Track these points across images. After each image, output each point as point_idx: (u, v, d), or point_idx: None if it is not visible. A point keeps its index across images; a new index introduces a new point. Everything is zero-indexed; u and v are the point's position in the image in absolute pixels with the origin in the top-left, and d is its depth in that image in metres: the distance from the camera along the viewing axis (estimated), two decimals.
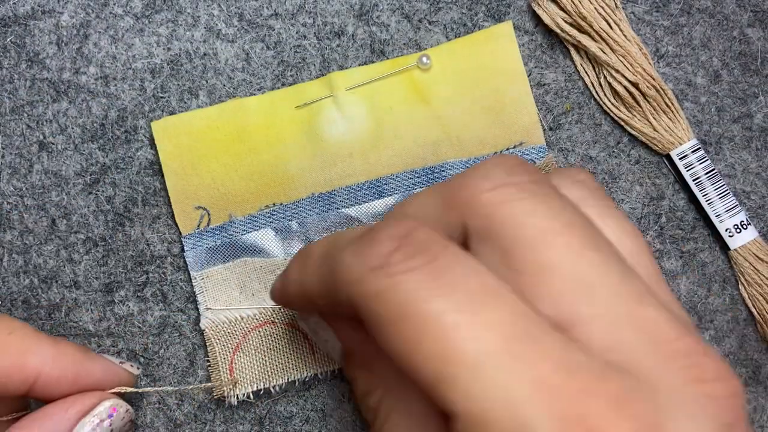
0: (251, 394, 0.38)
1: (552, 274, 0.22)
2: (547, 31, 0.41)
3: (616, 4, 0.40)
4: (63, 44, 0.40)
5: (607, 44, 0.40)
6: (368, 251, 0.22)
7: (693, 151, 0.40)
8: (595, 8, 0.39)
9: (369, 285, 0.22)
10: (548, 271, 0.22)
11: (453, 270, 0.21)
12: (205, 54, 0.40)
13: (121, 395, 0.32)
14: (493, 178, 0.24)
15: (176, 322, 0.39)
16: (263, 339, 0.38)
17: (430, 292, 0.21)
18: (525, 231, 0.22)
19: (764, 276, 0.39)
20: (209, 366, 0.39)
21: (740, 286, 0.40)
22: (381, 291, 0.21)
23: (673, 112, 0.40)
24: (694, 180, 0.40)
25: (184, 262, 0.39)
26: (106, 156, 0.39)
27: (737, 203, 0.40)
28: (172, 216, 0.39)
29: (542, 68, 0.41)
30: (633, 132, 0.40)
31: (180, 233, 0.39)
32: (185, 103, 0.40)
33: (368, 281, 0.22)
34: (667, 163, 0.41)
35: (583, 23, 0.39)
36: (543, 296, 0.22)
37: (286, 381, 0.38)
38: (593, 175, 0.27)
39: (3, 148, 0.39)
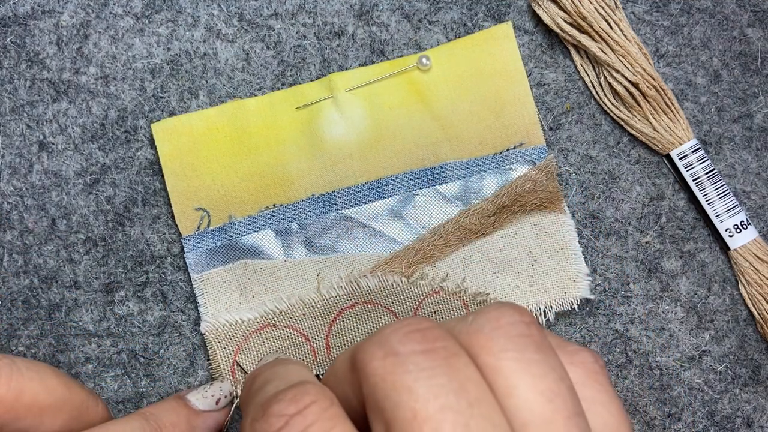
0: None
1: None
2: (547, 31, 0.41)
3: (616, 4, 0.40)
4: (63, 44, 0.40)
5: (607, 44, 0.40)
6: (258, 426, 0.24)
7: (693, 151, 0.40)
8: (595, 8, 0.39)
9: None
10: None
11: None
12: (205, 54, 0.40)
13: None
14: (385, 345, 0.23)
15: (176, 322, 0.39)
16: (264, 341, 0.38)
17: None
18: (400, 411, 0.22)
19: (764, 276, 0.39)
20: (211, 368, 0.39)
21: (740, 286, 0.40)
22: None
23: (673, 112, 0.40)
24: (694, 180, 0.40)
25: (184, 262, 0.39)
26: (106, 156, 0.39)
27: (737, 203, 0.40)
28: (172, 216, 0.39)
29: (542, 68, 0.41)
30: (633, 132, 0.40)
31: (180, 234, 0.39)
32: (185, 103, 0.40)
33: None
34: (667, 163, 0.41)
35: (583, 23, 0.39)
36: None
37: None
38: (596, 355, 0.26)
39: (3, 148, 0.39)
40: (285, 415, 0.24)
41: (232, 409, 0.36)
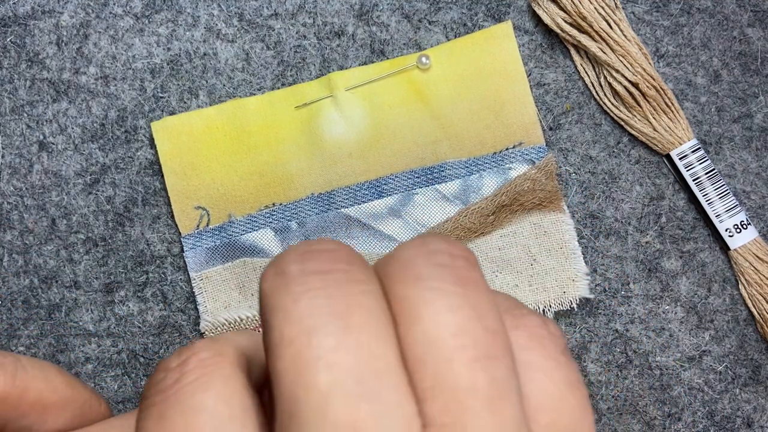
0: None
1: (278, 387, 0.19)
2: (547, 31, 0.41)
3: (616, 4, 0.40)
4: (63, 44, 0.40)
5: (607, 44, 0.40)
6: (149, 379, 0.23)
7: (693, 151, 0.40)
8: (595, 8, 0.39)
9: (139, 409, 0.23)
10: (276, 382, 0.19)
11: (174, 410, 0.20)
12: (205, 54, 0.40)
13: None
14: (279, 264, 0.20)
15: (176, 322, 0.39)
16: None
17: (149, 429, 0.20)
18: (273, 333, 0.19)
19: (764, 276, 0.39)
20: None
21: (740, 286, 0.40)
22: (137, 419, 0.22)
23: (673, 112, 0.40)
24: (694, 180, 0.40)
25: (184, 262, 0.39)
26: (106, 156, 0.39)
27: (737, 203, 0.40)
28: (172, 216, 0.39)
29: (542, 68, 0.41)
30: (633, 132, 0.40)
31: (180, 233, 0.39)
32: (185, 103, 0.40)
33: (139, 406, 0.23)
34: (667, 163, 0.41)
35: (583, 23, 0.39)
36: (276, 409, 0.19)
37: None
38: (548, 321, 0.22)
39: (3, 148, 0.39)
40: (166, 369, 0.22)
41: None
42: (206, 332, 0.38)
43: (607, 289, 0.40)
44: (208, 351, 0.21)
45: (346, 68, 0.40)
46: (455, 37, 0.40)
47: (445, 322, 0.19)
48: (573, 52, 0.41)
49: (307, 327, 0.18)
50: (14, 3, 0.40)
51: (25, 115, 0.39)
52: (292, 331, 0.18)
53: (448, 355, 0.19)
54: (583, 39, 0.40)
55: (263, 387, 0.22)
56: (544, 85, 0.41)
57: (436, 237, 0.22)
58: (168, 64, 0.40)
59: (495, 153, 0.40)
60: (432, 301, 0.19)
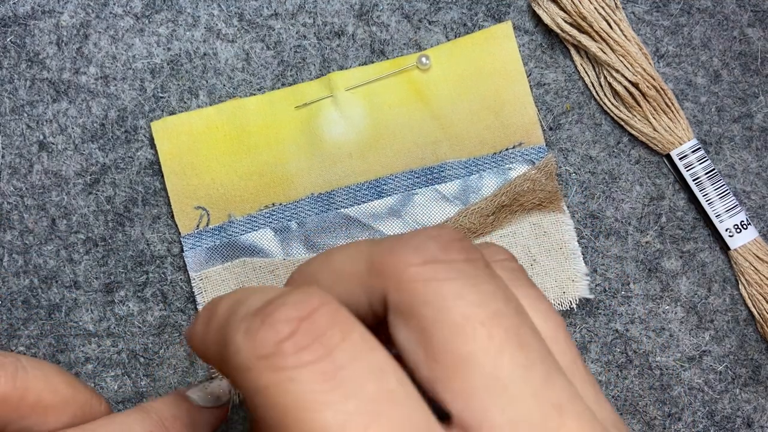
0: None
1: (468, 369, 0.20)
2: (547, 31, 0.41)
3: (616, 4, 0.40)
4: (63, 44, 0.40)
5: (607, 44, 0.40)
6: (261, 335, 0.20)
7: (693, 151, 0.40)
8: (595, 8, 0.39)
9: (256, 376, 0.20)
10: (464, 364, 0.20)
11: (350, 368, 0.20)
12: (205, 54, 0.40)
13: None
14: (425, 252, 0.22)
15: (176, 322, 0.39)
16: None
17: (320, 397, 0.19)
18: (448, 316, 0.21)
19: (764, 276, 0.39)
20: (210, 367, 0.39)
21: (740, 286, 0.40)
22: (268, 387, 0.19)
23: (673, 112, 0.40)
24: (694, 180, 0.40)
25: (184, 262, 0.39)
26: (106, 156, 0.39)
27: (737, 203, 0.40)
28: (172, 216, 0.39)
29: (542, 68, 0.41)
30: (633, 132, 0.40)
31: (179, 233, 0.39)
32: (185, 103, 0.40)
33: (256, 371, 0.20)
34: (667, 163, 0.41)
35: (583, 23, 0.39)
36: (456, 391, 0.20)
37: None
38: (513, 256, 0.26)
39: (3, 148, 0.39)
40: (294, 319, 0.20)
41: (230, 406, 0.36)
42: None
43: (607, 289, 0.40)
44: (334, 302, 0.21)
45: (346, 68, 0.40)
46: (455, 37, 0.40)
47: (539, 309, 0.23)
48: (573, 52, 0.41)
49: (491, 312, 0.21)
50: (14, 3, 0.40)
51: (25, 115, 0.39)
52: (478, 315, 0.21)
53: (552, 334, 0.23)
54: (583, 39, 0.40)
55: None
56: (544, 85, 0.41)
57: (499, 247, 0.26)
58: (168, 64, 0.40)
59: (495, 153, 0.40)
60: (523, 297, 0.23)
